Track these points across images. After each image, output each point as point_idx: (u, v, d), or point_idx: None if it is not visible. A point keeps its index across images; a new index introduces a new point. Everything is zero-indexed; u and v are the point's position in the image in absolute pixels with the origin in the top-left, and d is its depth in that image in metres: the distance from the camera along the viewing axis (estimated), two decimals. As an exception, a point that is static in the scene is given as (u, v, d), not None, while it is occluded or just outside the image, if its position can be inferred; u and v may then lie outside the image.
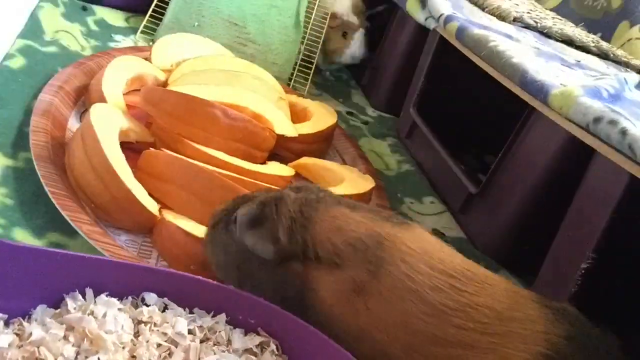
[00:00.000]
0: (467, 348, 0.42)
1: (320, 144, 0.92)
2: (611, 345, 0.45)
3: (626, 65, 0.97)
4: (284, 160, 0.85)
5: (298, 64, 1.14)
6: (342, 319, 0.46)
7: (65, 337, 0.43)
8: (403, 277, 0.44)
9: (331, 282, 0.46)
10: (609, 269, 0.61)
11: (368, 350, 0.45)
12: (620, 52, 1.01)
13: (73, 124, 0.75)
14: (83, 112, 0.78)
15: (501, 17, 0.97)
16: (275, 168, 0.81)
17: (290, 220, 0.48)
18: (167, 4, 1.07)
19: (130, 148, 0.71)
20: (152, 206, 0.63)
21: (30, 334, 0.42)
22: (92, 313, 0.45)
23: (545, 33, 0.96)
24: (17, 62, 0.81)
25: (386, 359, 0.45)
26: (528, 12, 1.02)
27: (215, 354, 0.46)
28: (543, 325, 0.43)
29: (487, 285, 0.46)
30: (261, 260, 0.49)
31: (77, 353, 0.43)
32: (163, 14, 1.07)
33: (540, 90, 0.63)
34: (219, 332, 0.49)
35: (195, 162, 0.68)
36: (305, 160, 0.85)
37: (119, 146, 0.66)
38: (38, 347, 0.41)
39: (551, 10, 1.30)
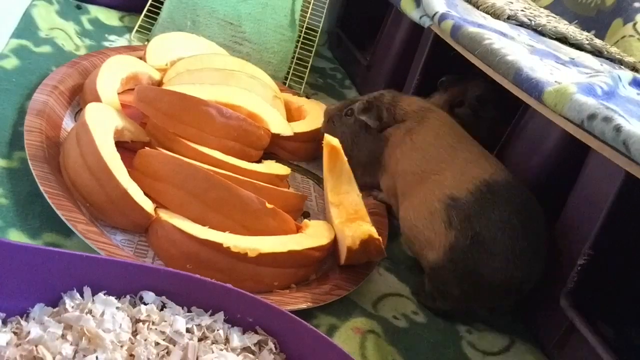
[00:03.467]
0: None
1: (316, 143, 0.92)
2: None
3: (620, 62, 0.97)
4: (279, 159, 0.85)
5: (294, 62, 1.14)
6: (393, 155, 0.79)
7: (63, 336, 0.43)
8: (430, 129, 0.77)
9: (398, 130, 0.80)
10: (606, 265, 0.62)
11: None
12: (613, 50, 1.02)
13: (68, 124, 0.75)
14: (78, 112, 0.78)
15: (495, 15, 0.97)
16: (270, 166, 0.81)
17: (387, 104, 0.82)
18: (162, 3, 1.07)
19: (126, 147, 0.71)
20: (147, 205, 0.63)
21: (29, 332, 0.42)
22: (90, 312, 0.46)
23: (540, 31, 0.96)
24: (11, 63, 0.81)
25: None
26: (522, 10, 1.02)
27: (213, 352, 0.46)
28: None
29: None
30: (368, 132, 0.83)
31: (75, 352, 0.43)
32: (158, 14, 1.07)
33: (534, 88, 0.63)
34: (217, 330, 0.49)
35: (191, 161, 0.68)
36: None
37: (114, 145, 0.66)
38: (36, 346, 0.41)
39: (545, 8, 1.30)
